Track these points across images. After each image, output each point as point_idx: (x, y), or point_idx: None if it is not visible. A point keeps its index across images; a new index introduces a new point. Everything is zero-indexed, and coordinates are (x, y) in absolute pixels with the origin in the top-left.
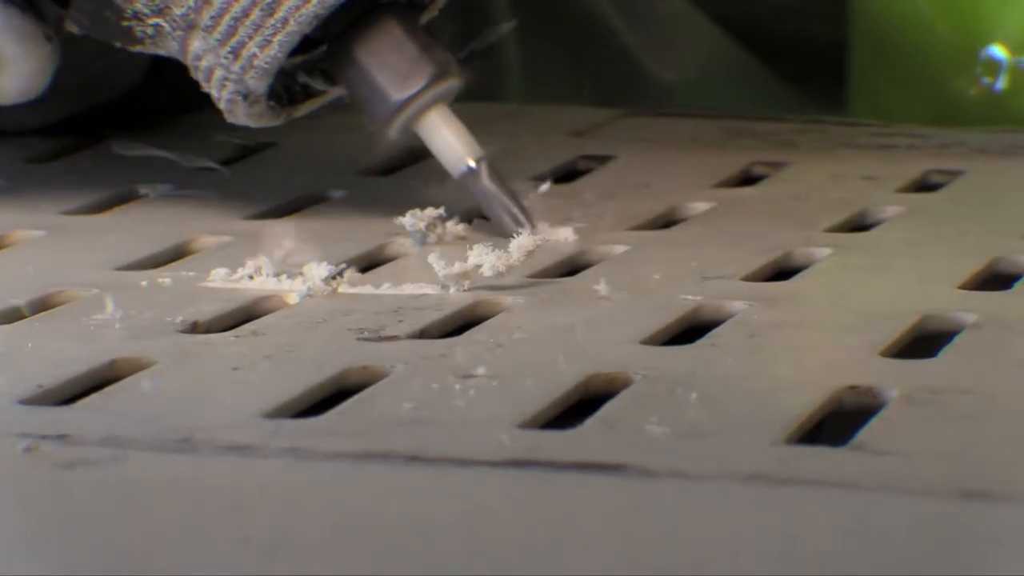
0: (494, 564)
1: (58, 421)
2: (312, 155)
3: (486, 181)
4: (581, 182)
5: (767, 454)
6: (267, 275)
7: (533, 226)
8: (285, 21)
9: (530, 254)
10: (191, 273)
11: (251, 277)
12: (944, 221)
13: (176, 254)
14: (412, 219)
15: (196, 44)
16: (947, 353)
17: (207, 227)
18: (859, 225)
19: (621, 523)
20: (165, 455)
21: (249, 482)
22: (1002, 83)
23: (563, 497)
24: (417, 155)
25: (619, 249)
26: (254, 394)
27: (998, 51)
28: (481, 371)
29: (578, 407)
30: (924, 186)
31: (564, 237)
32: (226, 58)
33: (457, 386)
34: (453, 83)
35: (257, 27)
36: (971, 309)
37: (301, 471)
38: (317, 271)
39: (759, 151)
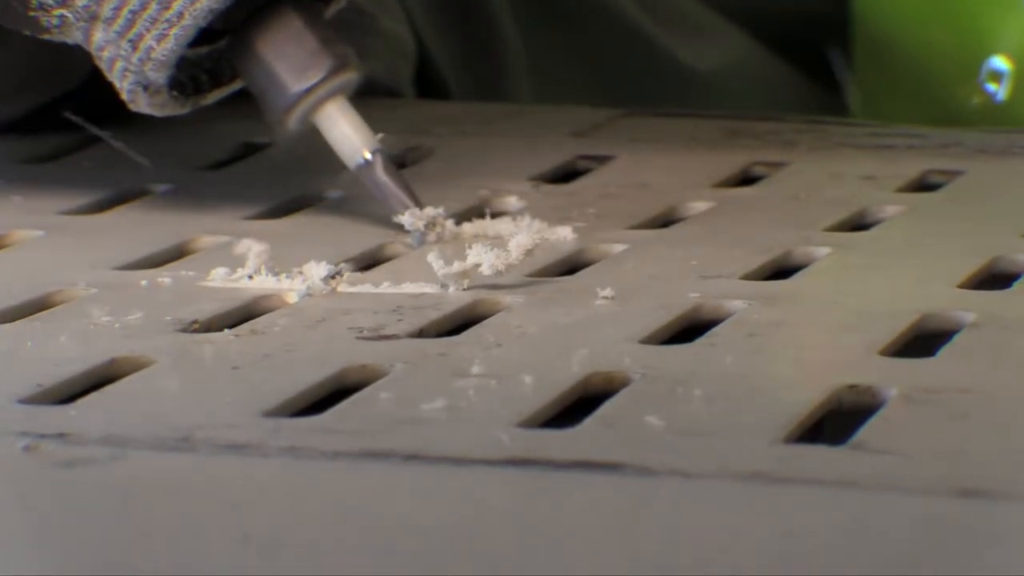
0: (493, 563)
1: (58, 420)
2: (312, 155)
3: (380, 174)
4: (581, 182)
5: (766, 453)
6: (266, 275)
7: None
8: (180, 15)
9: (529, 253)
10: (191, 273)
11: (250, 277)
12: (943, 221)
13: (176, 254)
14: (411, 218)
15: (98, 35)
16: (946, 352)
17: (207, 227)
18: (858, 225)
19: (620, 522)
20: (164, 454)
21: (248, 481)
22: (1003, 93)
23: (562, 496)
24: (418, 156)
25: (618, 248)
26: (253, 393)
27: (1000, 62)
28: (480, 370)
29: (577, 406)
30: (923, 186)
31: (563, 236)
32: (125, 50)
33: (456, 385)
34: (352, 76)
35: (154, 20)
36: (970, 308)
37: (300, 470)
38: (316, 270)
39: (758, 151)
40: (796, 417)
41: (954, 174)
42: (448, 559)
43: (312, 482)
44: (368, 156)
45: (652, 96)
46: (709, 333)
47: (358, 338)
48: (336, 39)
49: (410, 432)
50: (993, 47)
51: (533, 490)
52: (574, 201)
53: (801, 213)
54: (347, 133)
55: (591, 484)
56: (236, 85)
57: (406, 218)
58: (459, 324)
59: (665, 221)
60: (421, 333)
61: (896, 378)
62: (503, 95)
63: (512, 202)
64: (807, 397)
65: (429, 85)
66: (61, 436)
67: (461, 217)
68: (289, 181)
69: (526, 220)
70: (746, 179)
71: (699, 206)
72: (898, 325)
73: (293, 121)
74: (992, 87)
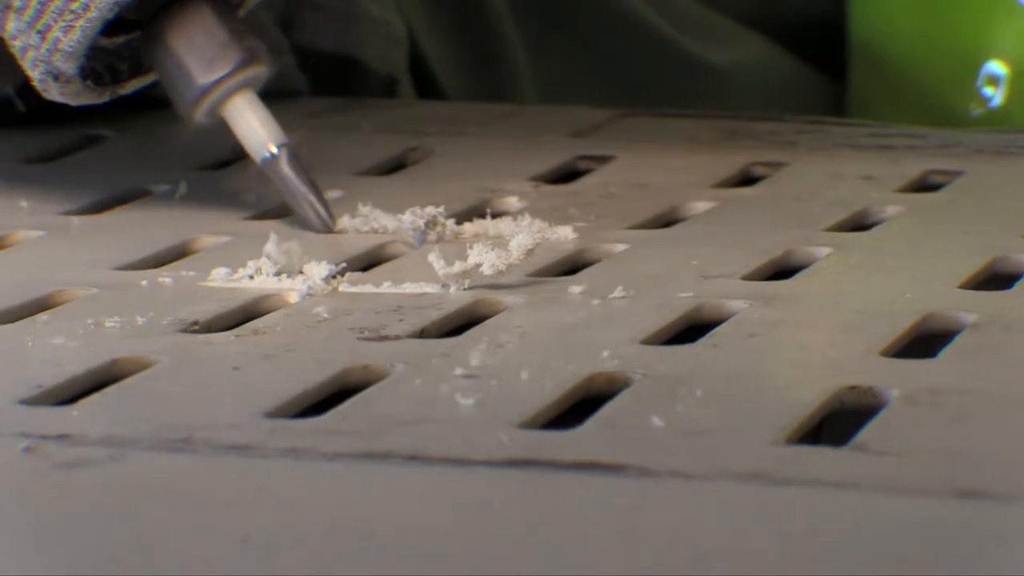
0: (494, 564)
1: (59, 421)
2: (312, 155)
3: (285, 168)
4: (581, 182)
5: (767, 454)
6: (267, 275)
7: (332, 218)
8: (87, 7)
9: (530, 253)
10: (191, 273)
11: (251, 277)
12: (944, 221)
13: (176, 254)
14: (412, 217)
15: (11, 24)
16: (947, 353)
17: (207, 227)
18: (859, 225)
19: (621, 523)
20: (165, 455)
21: (249, 482)
22: (1000, 98)
23: (563, 497)
24: (417, 156)
25: (619, 248)
26: (254, 394)
27: (997, 67)
28: (481, 371)
29: (578, 407)
30: (923, 186)
31: (564, 236)
32: (35, 40)
33: (457, 386)
34: (260, 70)
35: (61, 12)
36: (971, 309)
37: (301, 471)
38: (317, 270)
39: (759, 151)
40: (797, 418)
41: (954, 174)
42: (449, 560)
43: (313, 483)
44: (274, 150)
45: (662, 92)
46: (710, 333)
47: (359, 339)
48: (247, 33)
49: (411, 433)
50: (990, 52)
51: (534, 491)
52: (574, 201)
53: (802, 213)
54: (254, 126)
55: (592, 485)
56: (154, 75)
57: (407, 217)
58: (460, 324)
59: (666, 221)
60: (422, 333)
61: (897, 379)
62: (504, 94)
63: (512, 202)
64: (808, 398)
65: (424, 82)
66: (62, 437)
67: (461, 217)
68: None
69: (526, 220)
70: (746, 179)
71: (699, 206)
72: (899, 326)
73: (201, 113)
74: (989, 91)
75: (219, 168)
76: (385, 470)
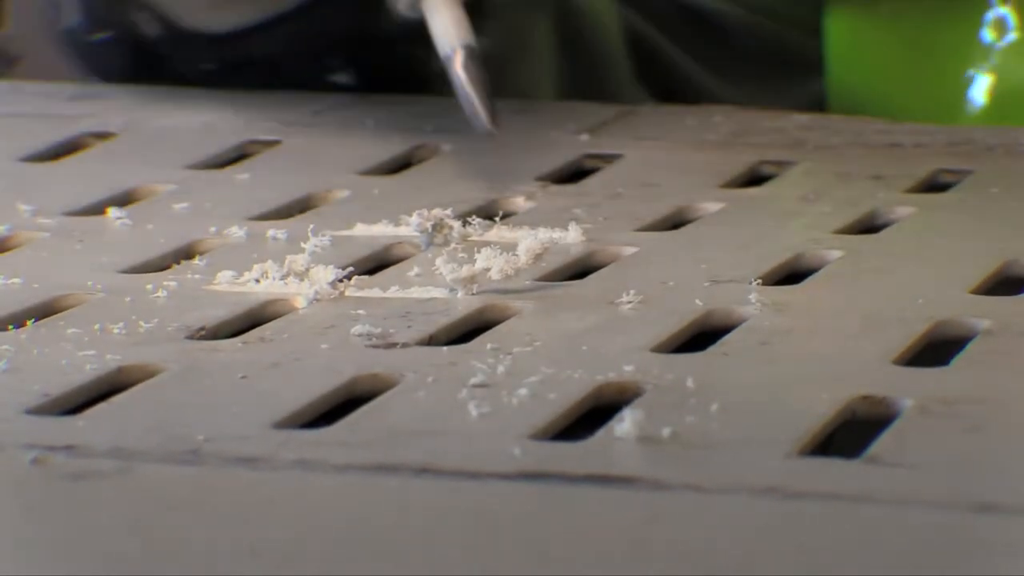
0: None
1: (65, 432)
2: (313, 155)
3: (458, 68)
4: (588, 182)
5: (780, 467)
6: (274, 278)
7: (494, 124)
8: None
9: (538, 257)
10: (196, 276)
11: (257, 280)
12: (954, 222)
13: (180, 256)
14: (419, 219)
15: None
16: (960, 361)
17: (210, 228)
18: (868, 226)
19: (633, 536)
20: (173, 467)
21: (257, 494)
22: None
23: (575, 510)
24: (423, 155)
25: (628, 251)
26: (262, 404)
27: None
28: (491, 380)
29: (590, 415)
30: (933, 186)
31: (573, 239)
32: None
33: (467, 396)
34: None
35: None
36: (984, 315)
37: (310, 483)
38: (324, 274)
39: (766, 149)
40: (809, 430)
41: (964, 173)
42: (459, 573)
43: (322, 496)
44: (452, 50)
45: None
46: (721, 342)
47: (367, 346)
48: None
49: (421, 445)
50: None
51: (546, 504)
52: (582, 202)
53: (811, 214)
54: (445, 24)
55: (604, 498)
56: None
57: (413, 219)
58: (469, 330)
59: (674, 223)
60: (431, 340)
61: (910, 388)
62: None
63: (519, 203)
64: (820, 408)
65: None
66: (69, 448)
67: (469, 219)
68: (294, 182)
69: (535, 223)
70: (754, 178)
71: (708, 207)
72: (911, 332)
73: (403, 4)
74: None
75: (222, 168)
76: (396, 482)
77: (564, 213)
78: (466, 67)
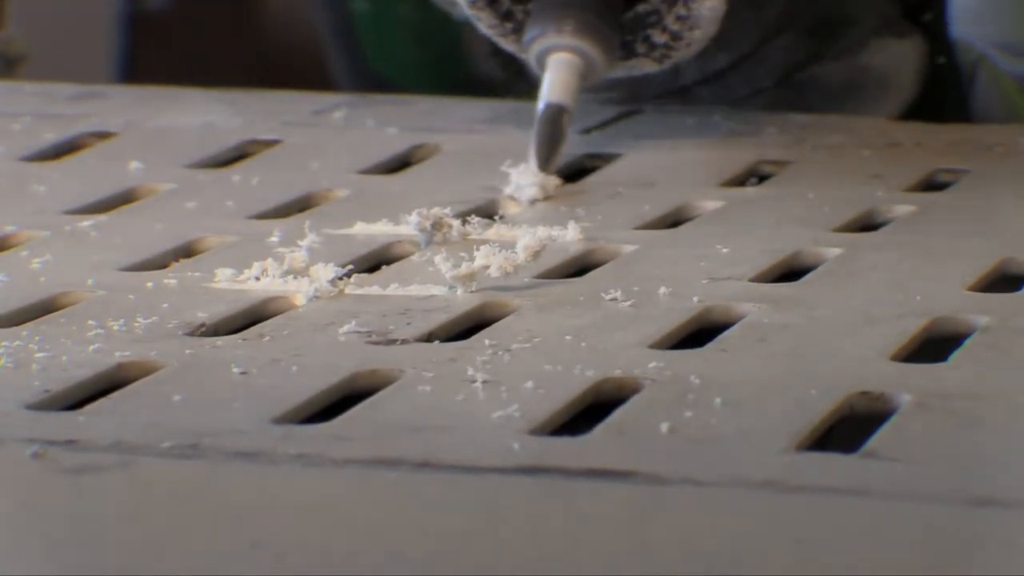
0: (505, 571)
1: (66, 427)
2: (315, 155)
3: (538, 119)
4: (588, 181)
5: (778, 461)
6: (273, 276)
7: (547, 168)
8: None
9: (537, 255)
10: (196, 273)
11: (257, 278)
12: (951, 221)
13: (180, 254)
14: (418, 218)
15: None
16: (958, 357)
17: (210, 227)
18: (866, 225)
19: (632, 530)
20: (173, 461)
21: (257, 488)
22: None
23: (574, 504)
24: (423, 155)
25: (626, 249)
26: (262, 399)
27: None
28: (490, 376)
29: (589, 411)
30: (931, 185)
31: (571, 237)
32: None
33: (466, 392)
34: (584, 46)
35: None
36: (981, 311)
37: (310, 477)
38: (324, 272)
39: (764, 148)
40: (807, 425)
41: (961, 173)
42: (459, 567)
43: (322, 490)
44: (541, 105)
45: None
46: (719, 338)
47: (367, 343)
48: (601, 22)
49: (420, 439)
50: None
51: (545, 498)
52: (581, 201)
53: (809, 213)
54: (550, 81)
55: (603, 492)
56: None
57: (413, 218)
58: (468, 327)
59: (673, 221)
60: (430, 337)
61: (907, 384)
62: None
63: (519, 202)
64: (819, 404)
65: None
66: (70, 443)
67: (468, 217)
68: (294, 181)
69: (533, 221)
70: (753, 177)
71: (707, 205)
72: (909, 328)
73: (531, 55)
74: None
75: (221, 167)
76: (395, 477)
77: (563, 212)
78: (543, 119)
